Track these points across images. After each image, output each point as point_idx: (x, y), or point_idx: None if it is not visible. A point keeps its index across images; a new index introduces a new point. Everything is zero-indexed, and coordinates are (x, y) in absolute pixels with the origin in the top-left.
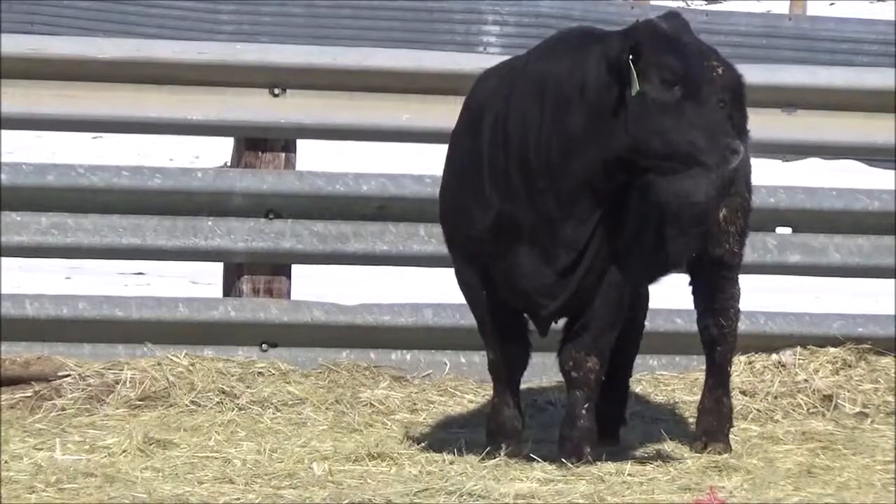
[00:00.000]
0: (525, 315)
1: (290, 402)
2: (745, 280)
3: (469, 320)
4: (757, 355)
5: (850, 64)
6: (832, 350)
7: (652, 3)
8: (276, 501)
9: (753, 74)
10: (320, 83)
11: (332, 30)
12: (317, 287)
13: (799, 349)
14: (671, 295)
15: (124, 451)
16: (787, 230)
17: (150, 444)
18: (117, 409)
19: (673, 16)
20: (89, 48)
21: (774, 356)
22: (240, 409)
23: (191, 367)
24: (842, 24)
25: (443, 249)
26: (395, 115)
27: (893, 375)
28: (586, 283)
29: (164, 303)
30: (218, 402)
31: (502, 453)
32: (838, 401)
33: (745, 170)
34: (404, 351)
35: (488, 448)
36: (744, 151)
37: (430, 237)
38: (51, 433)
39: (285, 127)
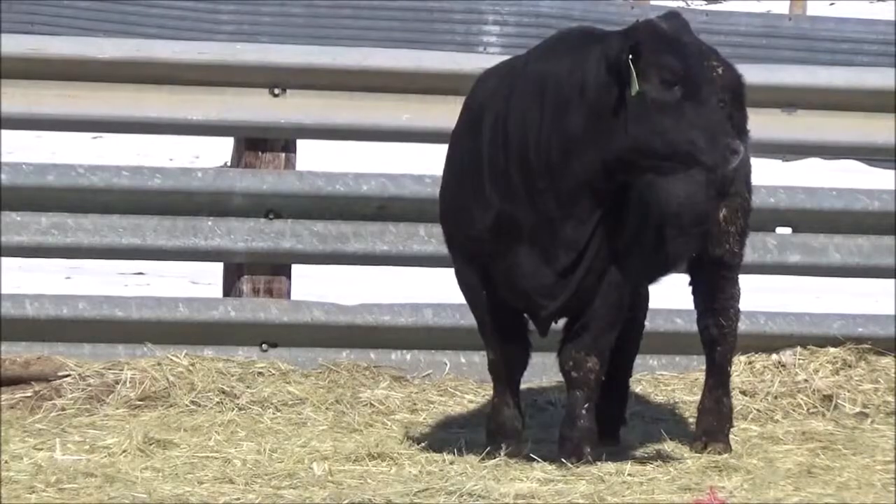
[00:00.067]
0: (525, 315)
1: (290, 402)
2: (745, 280)
3: (469, 320)
4: (757, 355)
5: (850, 64)
6: (832, 350)
7: (652, 3)
8: (276, 501)
9: (753, 74)
10: (320, 83)
11: (332, 30)
12: (317, 287)
13: (799, 349)
14: (671, 295)
15: (124, 451)
16: (787, 230)
17: (150, 444)
18: (117, 409)
19: (673, 16)
20: (89, 48)
21: (774, 356)
22: (240, 409)
23: (191, 367)
24: (842, 24)
25: (443, 249)
26: (395, 115)
27: (893, 375)
28: (586, 284)
29: (164, 303)
30: (218, 402)
31: (502, 453)
32: (838, 401)
33: (745, 170)
34: (404, 351)
35: (488, 448)
36: (744, 151)
37: (430, 237)
38: (51, 433)
39: (285, 127)
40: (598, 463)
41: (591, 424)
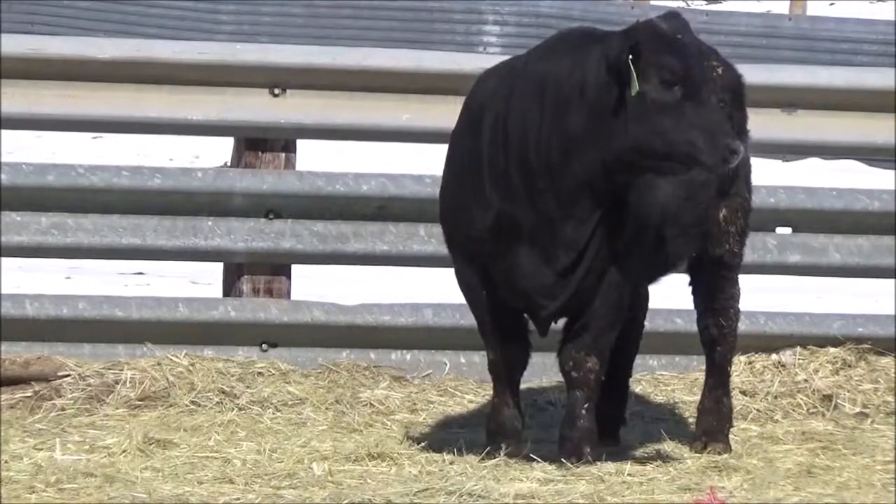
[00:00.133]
0: (525, 315)
1: (290, 402)
2: (745, 280)
3: (469, 320)
4: (757, 355)
5: (850, 64)
6: (832, 350)
7: (652, 3)
8: (276, 501)
9: (753, 74)
10: (320, 83)
11: (332, 30)
12: (317, 287)
13: (799, 349)
14: (671, 295)
15: (124, 451)
16: (787, 230)
17: (150, 444)
18: (117, 409)
19: (673, 16)
20: (89, 48)
21: (774, 356)
22: (240, 409)
23: (191, 367)
24: (842, 24)
25: (443, 249)
26: (395, 115)
27: (893, 375)
28: (586, 284)
29: (164, 303)
30: (218, 402)
31: (502, 453)
32: (838, 401)
33: (745, 170)
34: (404, 351)
35: (488, 448)
36: (744, 151)
37: (430, 237)
38: (51, 433)
39: (285, 127)
40: (598, 463)
41: (591, 424)
